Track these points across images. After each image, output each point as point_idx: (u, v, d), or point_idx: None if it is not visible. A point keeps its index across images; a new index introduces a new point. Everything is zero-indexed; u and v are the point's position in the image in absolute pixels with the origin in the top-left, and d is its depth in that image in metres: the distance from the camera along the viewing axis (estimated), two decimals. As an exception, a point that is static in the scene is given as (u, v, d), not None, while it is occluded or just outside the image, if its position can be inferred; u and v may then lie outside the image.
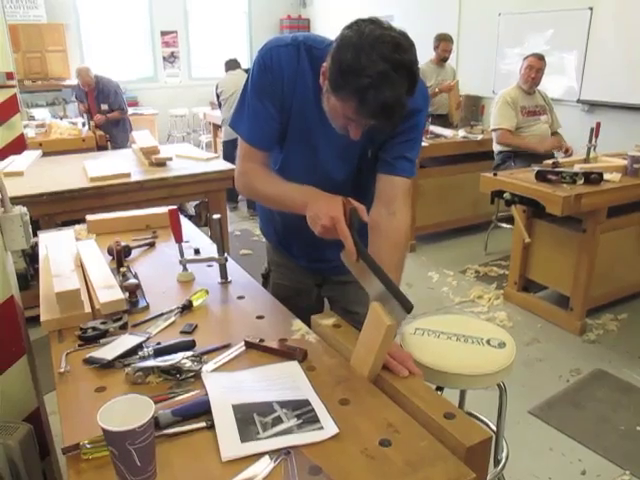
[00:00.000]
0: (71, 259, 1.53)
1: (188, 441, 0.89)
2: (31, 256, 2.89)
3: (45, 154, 3.76)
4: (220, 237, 1.48)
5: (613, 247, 3.13)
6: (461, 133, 4.52)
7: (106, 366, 1.09)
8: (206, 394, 0.98)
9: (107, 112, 5.30)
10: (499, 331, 1.57)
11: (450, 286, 3.74)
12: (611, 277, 3.21)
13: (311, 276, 1.60)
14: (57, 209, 2.82)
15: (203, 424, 0.92)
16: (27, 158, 3.48)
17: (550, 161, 3.34)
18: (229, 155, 4.69)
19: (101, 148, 4.68)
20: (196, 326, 1.26)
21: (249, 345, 1.16)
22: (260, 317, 1.31)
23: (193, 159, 3.56)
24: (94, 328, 1.21)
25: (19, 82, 4.74)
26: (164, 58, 8.40)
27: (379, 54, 1.01)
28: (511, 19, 5.62)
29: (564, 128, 4.22)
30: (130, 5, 7.97)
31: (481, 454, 0.88)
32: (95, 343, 1.18)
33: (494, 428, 1.67)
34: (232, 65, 5.45)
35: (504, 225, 4.14)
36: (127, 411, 0.79)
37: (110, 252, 1.60)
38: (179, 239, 1.49)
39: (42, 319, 1.25)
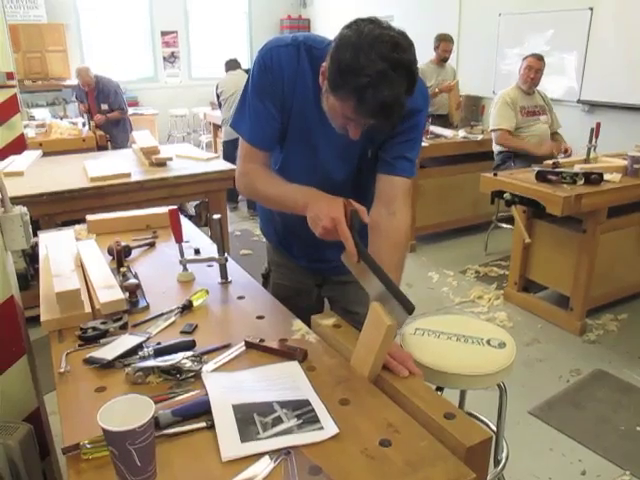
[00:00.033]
0: (71, 259, 1.53)
1: (188, 441, 0.89)
2: (31, 256, 2.89)
3: (45, 154, 3.76)
4: (220, 237, 1.48)
5: (613, 247, 3.13)
6: (461, 133, 4.52)
7: (106, 366, 1.09)
8: (206, 394, 0.98)
9: (107, 112, 5.30)
10: (499, 331, 1.57)
11: (450, 286, 3.74)
12: (611, 277, 3.21)
13: (311, 276, 1.60)
14: (57, 209, 2.83)
15: (203, 424, 0.92)
16: (27, 158, 3.48)
17: (550, 161, 3.33)
18: (229, 155, 4.69)
19: (101, 148, 4.68)
20: (196, 326, 1.26)
21: (249, 345, 1.16)
22: (260, 317, 1.31)
23: (193, 159, 3.56)
24: (94, 328, 1.21)
25: (19, 82, 4.74)
26: (164, 58, 8.41)
27: (378, 53, 1.01)
28: (511, 19, 5.62)
29: (564, 128, 4.22)
30: (130, 5, 7.98)
31: (481, 454, 0.88)
32: (95, 343, 1.18)
33: (494, 428, 1.67)
34: (232, 65, 5.45)
35: (504, 225, 4.14)
36: (127, 411, 0.79)
37: (110, 252, 1.60)
38: (179, 239, 1.49)
39: (42, 319, 1.25)
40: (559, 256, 3.14)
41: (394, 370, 1.06)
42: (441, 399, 1.00)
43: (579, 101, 5.07)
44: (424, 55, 4.86)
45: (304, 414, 0.94)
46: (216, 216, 1.45)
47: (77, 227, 1.89)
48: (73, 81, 6.22)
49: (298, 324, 1.26)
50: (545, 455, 2.18)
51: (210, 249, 1.64)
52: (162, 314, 1.31)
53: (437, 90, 4.86)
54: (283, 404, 0.96)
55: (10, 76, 3.65)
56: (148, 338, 1.18)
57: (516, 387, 2.43)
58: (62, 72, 7.32)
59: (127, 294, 1.34)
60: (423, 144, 3.64)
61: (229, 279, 1.49)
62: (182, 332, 1.23)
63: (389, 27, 1.06)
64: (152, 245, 1.77)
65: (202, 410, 0.94)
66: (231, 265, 1.54)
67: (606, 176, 2.95)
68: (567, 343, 3.00)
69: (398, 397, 1.00)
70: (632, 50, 4.54)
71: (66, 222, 2.42)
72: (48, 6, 7.22)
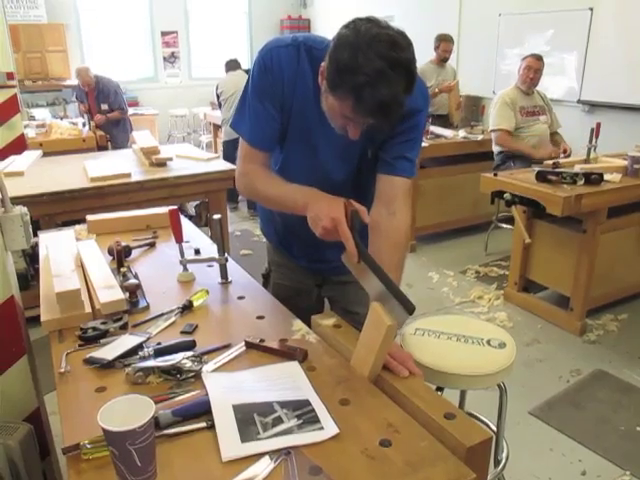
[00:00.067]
0: (71, 259, 1.53)
1: (188, 441, 0.89)
2: (31, 256, 2.89)
3: (45, 154, 3.77)
4: (220, 237, 1.48)
5: (613, 247, 3.13)
6: (461, 133, 4.52)
7: (106, 366, 1.09)
8: (206, 394, 0.98)
9: (107, 112, 5.30)
10: (499, 331, 1.57)
11: (450, 286, 3.74)
12: (611, 277, 3.21)
13: (311, 276, 1.60)
14: (57, 209, 2.83)
15: (203, 424, 0.92)
16: (27, 158, 3.49)
17: (550, 162, 3.34)
18: (229, 155, 4.69)
19: (101, 148, 4.68)
20: (196, 326, 1.26)
21: (249, 345, 1.16)
22: (260, 317, 1.31)
23: (193, 159, 3.56)
24: (94, 328, 1.21)
25: (19, 82, 4.75)
26: (164, 58, 8.40)
27: (375, 52, 1.01)
28: (511, 19, 5.62)
29: (564, 129, 4.22)
30: (130, 5, 7.98)
31: (481, 454, 0.88)
32: (95, 343, 1.18)
33: (494, 428, 1.67)
34: (232, 65, 5.45)
35: (504, 225, 4.14)
36: (127, 411, 0.79)
37: (110, 252, 1.61)
38: (179, 239, 1.49)
39: (42, 319, 1.25)
40: (559, 256, 3.14)
41: (394, 370, 1.06)
42: (441, 399, 1.00)
43: (579, 101, 5.07)
44: (424, 55, 4.87)
45: (304, 414, 0.94)
46: (216, 216, 1.46)
47: (77, 227, 1.90)
48: (73, 81, 6.22)
49: (298, 324, 1.26)
50: (545, 455, 2.18)
51: (210, 249, 1.64)
52: (162, 314, 1.31)
53: (437, 90, 4.86)
54: (283, 404, 0.96)
55: (10, 76, 3.65)
56: (148, 338, 1.18)
57: (516, 387, 2.43)
58: (62, 72, 7.32)
59: (127, 294, 1.34)
60: (423, 144, 3.64)
61: (229, 279, 1.49)
62: (182, 332, 1.23)
63: (387, 26, 1.06)
64: (152, 245, 1.77)
65: (202, 410, 0.94)
66: (231, 265, 1.54)
67: (606, 176, 2.95)
68: (567, 343, 3.00)
69: (398, 397, 1.00)
70: (632, 50, 4.54)
71: (66, 222, 2.42)
72: (48, 6, 7.22)
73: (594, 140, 3.37)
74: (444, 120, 5.03)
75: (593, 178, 2.87)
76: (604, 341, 3.02)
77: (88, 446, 0.84)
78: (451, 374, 1.38)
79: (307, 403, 0.97)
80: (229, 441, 0.87)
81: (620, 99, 4.68)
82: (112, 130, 5.25)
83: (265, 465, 0.83)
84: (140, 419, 0.76)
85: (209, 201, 3.43)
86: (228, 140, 5.18)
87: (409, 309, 1.00)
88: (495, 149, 4.10)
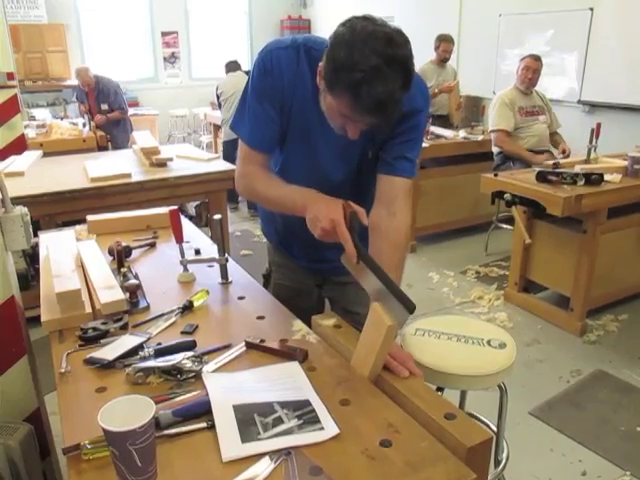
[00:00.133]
0: (72, 259, 1.53)
1: (189, 441, 0.89)
2: (32, 256, 2.89)
3: (46, 154, 3.77)
4: (221, 237, 1.48)
5: (613, 248, 3.13)
6: (461, 134, 4.52)
7: (107, 366, 1.09)
8: (207, 394, 0.98)
9: (107, 112, 5.30)
10: (499, 332, 1.57)
11: (450, 287, 3.74)
12: (611, 278, 3.21)
13: (312, 277, 1.60)
14: (58, 209, 2.83)
15: (204, 424, 0.92)
16: (28, 158, 3.49)
17: (551, 162, 3.34)
18: (229, 155, 4.69)
19: (102, 148, 4.68)
20: (197, 326, 1.26)
21: (250, 345, 1.16)
22: (261, 317, 1.31)
23: (194, 159, 3.56)
24: (95, 328, 1.21)
25: (20, 82, 4.75)
26: (165, 58, 8.40)
27: (371, 49, 1.01)
28: (511, 20, 5.62)
29: (565, 129, 4.22)
30: (131, 6, 7.98)
31: (482, 455, 0.88)
32: (96, 343, 1.18)
33: (494, 429, 1.67)
34: (232, 67, 5.46)
35: (504, 226, 4.14)
36: (128, 411, 0.79)
37: (111, 252, 1.61)
38: (180, 239, 1.49)
39: (43, 319, 1.25)
40: (559, 256, 3.14)
41: (394, 370, 1.06)
42: (441, 399, 1.00)
43: (579, 102, 5.07)
44: (424, 55, 4.88)
45: (305, 414, 0.94)
46: (216, 216, 1.46)
47: (78, 227, 1.90)
48: (73, 81, 6.21)
49: (298, 324, 1.26)
50: (545, 455, 2.18)
51: (210, 249, 1.64)
52: (162, 314, 1.31)
53: (437, 90, 4.86)
54: (284, 404, 0.96)
55: (10, 76, 3.65)
56: (149, 338, 1.18)
57: (516, 387, 2.43)
58: (62, 72, 7.32)
59: (127, 294, 1.34)
60: (424, 145, 3.62)
61: (229, 279, 1.49)
62: (183, 332, 1.23)
63: (383, 24, 1.06)
64: (152, 245, 1.77)
65: (203, 410, 0.94)
66: (231, 265, 1.54)
67: (606, 177, 2.95)
68: (567, 343, 3.00)
69: (398, 397, 1.00)
70: (632, 50, 4.54)
71: (66, 222, 2.42)
72: (48, 6, 7.22)
73: (594, 140, 3.38)
74: (444, 120, 5.03)
75: (593, 178, 2.87)
76: (604, 341, 3.02)
77: (88, 446, 0.84)
78: (451, 374, 1.38)
79: (307, 403, 0.97)
80: (229, 441, 0.87)
81: (620, 99, 4.68)
82: (112, 130, 5.25)
83: (265, 465, 0.83)
84: (140, 419, 0.76)
85: (209, 201, 3.43)
86: (228, 140, 5.18)
87: (409, 308, 1.00)
88: (495, 149, 4.10)
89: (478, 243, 4.41)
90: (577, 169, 3.08)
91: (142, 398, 0.82)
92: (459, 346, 1.48)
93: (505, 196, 3.04)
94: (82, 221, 1.93)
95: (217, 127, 6.76)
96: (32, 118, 5.42)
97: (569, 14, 5.00)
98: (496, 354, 1.45)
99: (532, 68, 3.95)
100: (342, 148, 1.30)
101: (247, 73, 4.66)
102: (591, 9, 4.81)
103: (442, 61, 4.99)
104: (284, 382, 1.03)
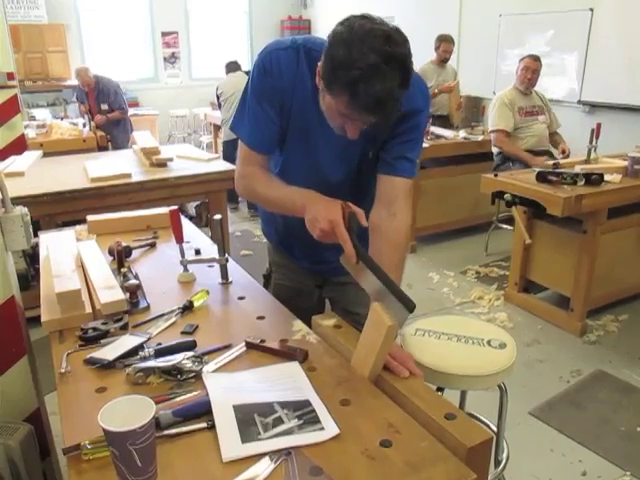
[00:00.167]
0: (72, 259, 1.53)
1: (189, 442, 0.89)
2: (32, 256, 2.89)
3: (46, 154, 3.77)
4: (221, 238, 1.48)
5: (613, 248, 3.13)
6: (462, 134, 4.52)
7: (107, 366, 1.09)
8: (207, 394, 0.99)
9: (107, 112, 5.30)
10: (500, 332, 1.57)
11: (451, 287, 3.74)
12: (611, 278, 3.21)
13: (312, 277, 1.60)
14: (58, 209, 2.83)
15: (204, 425, 0.92)
16: (28, 158, 3.49)
17: (551, 162, 3.34)
18: (229, 155, 4.69)
19: (102, 148, 4.68)
20: (197, 327, 1.26)
21: (250, 346, 1.16)
22: (261, 318, 1.31)
23: (194, 160, 3.56)
24: (95, 328, 1.21)
25: (20, 82, 4.74)
26: (165, 59, 8.40)
27: (370, 47, 1.01)
28: (512, 20, 5.62)
29: (565, 129, 4.22)
30: (131, 6, 7.98)
31: (482, 455, 0.88)
32: (96, 343, 1.18)
33: (495, 429, 1.66)
34: (232, 67, 5.46)
35: (504, 226, 4.15)
36: (128, 411, 0.79)
37: (111, 252, 1.61)
38: (180, 240, 1.49)
39: (43, 319, 1.25)
40: (559, 257, 3.14)
41: (395, 371, 1.06)
42: (441, 399, 1.00)
43: (579, 102, 5.07)
44: (424, 56, 4.89)
45: (305, 414, 0.94)
46: (217, 217, 1.46)
47: (78, 227, 1.90)
48: (73, 81, 6.21)
49: (299, 325, 1.26)
50: (545, 456, 2.18)
51: (211, 250, 1.64)
52: (163, 315, 1.31)
53: (437, 91, 4.86)
54: (284, 404, 0.96)
55: (11, 76, 3.65)
56: (149, 339, 1.18)
57: (516, 388, 2.43)
58: (62, 72, 7.32)
59: (128, 294, 1.34)
60: (424, 145, 3.62)
61: (230, 280, 1.49)
62: (183, 333, 1.23)
63: (382, 22, 1.05)
64: (153, 246, 1.77)
65: (203, 410, 0.94)
66: (232, 266, 1.54)
67: (606, 177, 2.95)
68: (567, 344, 3.00)
69: (399, 397, 1.00)
70: (632, 51, 4.54)
71: (67, 222, 2.42)
72: (49, 6, 7.22)
73: (594, 141, 3.38)
74: (444, 121, 5.03)
75: (593, 179, 2.87)
76: (604, 341, 3.02)
77: (89, 446, 0.84)
78: (451, 374, 1.38)
79: (307, 403, 0.97)
80: (230, 441, 0.87)
81: (620, 100, 4.68)
82: (112, 130, 5.25)
83: (266, 465, 0.83)
84: (141, 419, 0.76)
85: (209, 201, 3.43)
86: (228, 140, 5.18)
87: (409, 307, 1.00)
88: (494, 149, 4.11)
89: (478, 243, 4.41)
90: (577, 169, 3.08)
91: (142, 398, 0.82)
92: (459, 346, 1.48)
93: (505, 196, 3.05)
94: (82, 221, 1.93)
95: (217, 127, 6.76)
96: (32, 118, 5.42)
97: (569, 14, 5.00)
98: (496, 354, 1.45)
99: (531, 68, 3.95)
100: (342, 148, 1.30)
101: (247, 73, 4.66)
102: (591, 9, 4.81)
103: (442, 61, 5.00)
104: (284, 382, 1.03)
